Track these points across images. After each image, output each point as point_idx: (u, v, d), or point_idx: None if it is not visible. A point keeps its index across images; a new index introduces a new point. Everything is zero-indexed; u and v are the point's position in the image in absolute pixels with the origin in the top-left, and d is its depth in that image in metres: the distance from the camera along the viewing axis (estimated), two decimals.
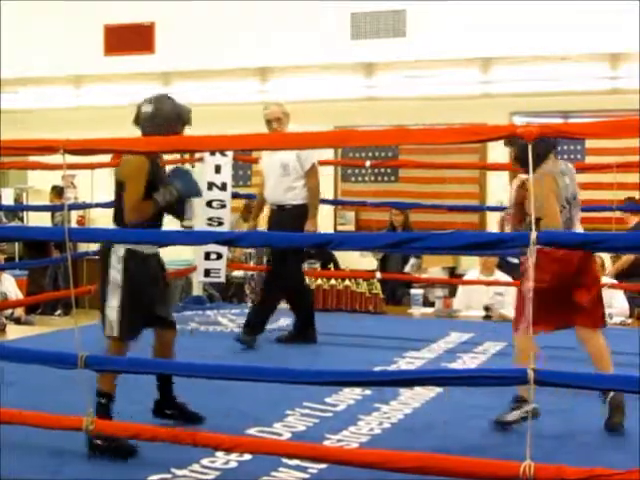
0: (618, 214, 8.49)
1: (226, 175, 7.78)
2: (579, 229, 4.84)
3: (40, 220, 11.18)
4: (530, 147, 4.05)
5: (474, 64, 9.24)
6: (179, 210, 4.35)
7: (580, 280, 4.68)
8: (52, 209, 11.43)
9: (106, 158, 8.90)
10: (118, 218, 4.27)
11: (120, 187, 4.30)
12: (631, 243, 3.34)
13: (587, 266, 4.72)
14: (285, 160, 6.69)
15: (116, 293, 4.15)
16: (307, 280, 8.62)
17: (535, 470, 3.09)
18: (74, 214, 11.96)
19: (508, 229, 4.71)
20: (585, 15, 8.26)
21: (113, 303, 4.15)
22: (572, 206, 4.75)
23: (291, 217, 6.74)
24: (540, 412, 4.30)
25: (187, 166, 4.48)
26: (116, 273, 4.15)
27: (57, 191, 11.73)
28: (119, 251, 4.15)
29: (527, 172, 4.52)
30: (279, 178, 6.77)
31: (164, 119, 4.32)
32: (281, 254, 6.70)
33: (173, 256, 10.23)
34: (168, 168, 4.55)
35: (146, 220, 4.15)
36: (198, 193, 4.49)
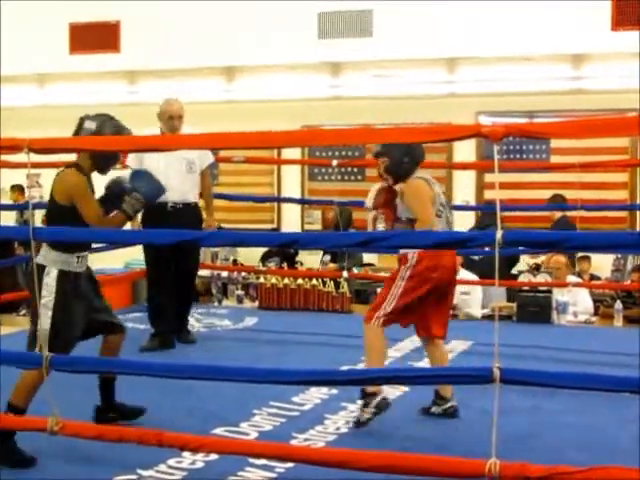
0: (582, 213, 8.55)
1: None
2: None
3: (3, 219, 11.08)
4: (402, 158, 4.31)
5: (440, 64, 9.28)
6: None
7: (447, 291, 4.84)
8: (16, 208, 11.34)
9: (71, 157, 8.86)
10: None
11: (63, 209, 4.22)
12: (596, 242, 3.36)
13: (454, 279, 4.92)
14: (190, 158, 6.74)
15: (47, 316, 4.11)
16: (275, 279, 8.64)
17: (500, 468, 3.10)
18: (39, 213, 11.86)
19: (381, 227, 4.85)
20: (548, 16, 8.32)
21: (45, 325, 4.08)
22: (447, 211, 4.90)
23: (197, 214, 6.91)
24: (390, 404, 4.57)
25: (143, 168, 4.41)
26: (48, 294, 4.12)
27: (19, 189, 11.66)
28: (52, 272, 4.14)
29: (396, 182, 4.78)
30: (185, 175, 6.77)
31: None
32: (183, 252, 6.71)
33: (136, 255, 10.21)
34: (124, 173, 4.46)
35: None
36: (162, 192, 4.45)
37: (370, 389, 4.56)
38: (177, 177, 6.62)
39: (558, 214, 9.16)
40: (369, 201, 4.87)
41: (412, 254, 4.62)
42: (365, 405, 4.60)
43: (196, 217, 6.89)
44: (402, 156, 4.73)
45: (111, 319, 4.49)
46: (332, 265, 9.78)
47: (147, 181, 4.32)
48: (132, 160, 6.75)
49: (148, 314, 6.98)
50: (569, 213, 9.02)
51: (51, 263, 4.16)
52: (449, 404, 4.82)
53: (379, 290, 8.67)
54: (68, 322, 4.17)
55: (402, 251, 4.70)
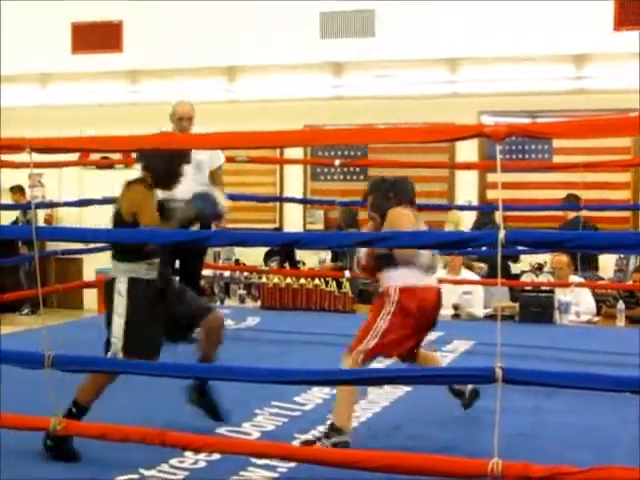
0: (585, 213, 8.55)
1: None
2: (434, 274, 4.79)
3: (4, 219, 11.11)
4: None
5: (442, 64, 9.28)
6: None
7: (431, 321, 4.64)
8: (18, 208, 11.35)
9: (73, 157, 8.88)
10: (122, 251, 4.30)
11: (124, 222, 4.29)
12: (598, 242, 3.36)
13: (438, 308, 4.69)
14: (199, 158, 6.71)
15: (120, 323, 4.26)
16: (277, 279, 8.65)
17: (502, 468, 3.10)
18: (41, 212, 11.89)
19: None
20: (550, 16, 8.32)
21: (118, 333, 4.26)
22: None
23: None
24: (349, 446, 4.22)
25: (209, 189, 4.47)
26: (120, 302, 4.26)
27: (20, 191, 11.66)
28: (122, 281, 4.27)
29: (383, 219, 4.59)
30: (193, 174, 6.64)
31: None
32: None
33: None
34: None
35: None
36: (218, 214, 4.51)
37: (339, 424, 4.29)
38: (185, 176, 6.64)
39: (572, 214, 9.12)
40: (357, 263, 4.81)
41: (394, 288, 4.48)
42: (326, 436, 4.29)
43: None
44: (386, 192, 4.67)
45: (196, 309, 4.49)
46: (329, 264, 9.81)
47: (203, 199, 4.41)
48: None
49: None
50: (572, 213, 9.00)
51: (121, 273, 4.28)
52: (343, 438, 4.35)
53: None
54: (142, 327, 4.26)
55: (385, 285, 4.55)
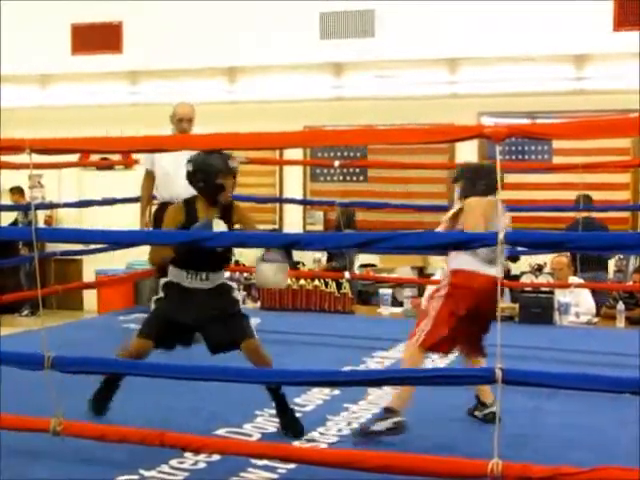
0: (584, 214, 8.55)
1: None
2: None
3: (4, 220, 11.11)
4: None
5: (442, 64, 9.27)
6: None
7: (488, 316, 4.56)
8: (18, 209, 11.36)
9: (73, 158, 8.88)
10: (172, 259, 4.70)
11: None
12: (597, 243, 3.37)
13: (492, 298, 4.58)
14: None
15: (151, 307, 4.79)
16: None
17: (502, 468, 3.11)
18: (41, 213, 11.89)
19: None
20: (550, 17, 8.31)
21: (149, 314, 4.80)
22: None
23: None
24: (406, 427, 4.35)
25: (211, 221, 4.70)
26: (157, 295, 4.81)
27: (19, 192, 11.66)
28: (164, 280, 4.79)
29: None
30: None
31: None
32: None
33: (141, 256, 10.22)
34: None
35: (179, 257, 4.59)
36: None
37: (393, 405, 4.43)
38: (183, 178, 6.65)
39: (581, 214, 9.05)
40: (445, 218, 4.78)
41: (450, 271, 4.54)
42: (381, 418, 4.46)
43: None
44: (476, 179, 4.64)
45: (231, 337, 4.66)
46: (324, 264, 9.82)
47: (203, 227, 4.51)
48: (145, 160, 6.98)
49: None
50: (567, 214, 8.98)
51: (168, 274, 4.75)
52: (488, 410, 4.66)
53: (381, 291, 8.74)
54: (161, 319, 4.68)
55: (446, 269, 4.61)
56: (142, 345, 4.62)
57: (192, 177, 4.64)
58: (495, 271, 4.41)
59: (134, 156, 7.79)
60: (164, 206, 6.49)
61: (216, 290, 4.70)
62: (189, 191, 6.68)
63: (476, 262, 4.49)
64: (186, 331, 4.72)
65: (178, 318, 4.63)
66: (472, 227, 4.46)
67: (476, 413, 4.77)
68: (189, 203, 4.70)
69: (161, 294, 4.75)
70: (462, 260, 4.51)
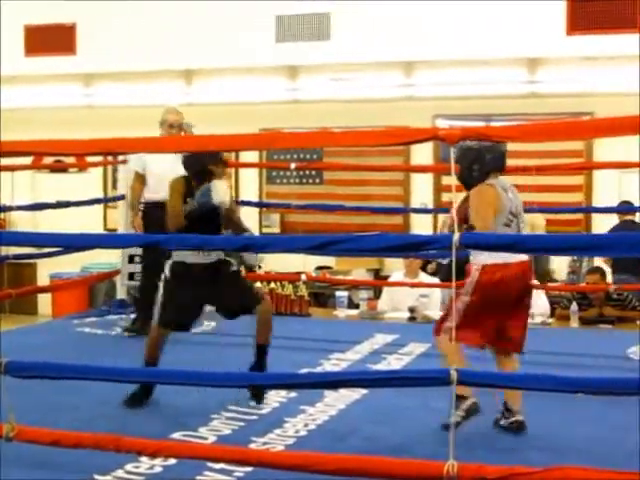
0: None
1: None
2: None
3: None
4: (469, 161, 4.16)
5: (397, 67, 9.31)
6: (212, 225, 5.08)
7: (514, 309, 4.62)
8: None
9: (26, 160, 8.77)
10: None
11: None
12: (548, 244, 3.40)
13: (525, 295, 4.70)
14: None
15: (160, 292, 5.13)
16: None
17: (458, 469, 3.12)
18: None
19: (445, 231, 4.73)
20: (504, 20, 8.39)
21: (158, 299, 5.13)
22: (519, 220, 4.64)
23: None
24: (479, 407, 4.36)
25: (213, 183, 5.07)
26: (165, 277, 5.15)
27: None
28: (169, 262, 5.15)
29: (468, 190, 4.60)
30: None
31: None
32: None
33: (96, 259, 10.14)
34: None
35: (184, 228, 5.00)
36: (211, 203, 4.99)
37: (460, 392, 4.22)
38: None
39: (627, 217, 9.08)
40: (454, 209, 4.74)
41: (476, 267, 4.47)
42: (455, 407, 4.24)
43: None
44: (471, 164, 4.58)
45: (247, 297, 5.21)
46: None
47: (202, 192, 5.03)
48: (136, 163, 7.19)
49: (137, 299, 7.65)
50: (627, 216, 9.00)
51: (172, 255, 5.13)
52: (514, 418, 4.57)
53: (337, 293, 8.75)
54: (174, 302, 5.05)
55: (471, 260, 4.53)
56: (162, 332, 5.11)
57: (186, 164, 5.19)
58: (516, 257, 4.43)
59: (127, 157, 7.76)
60: (155, 207, 6.86)
61: (219, 263, 5.16)
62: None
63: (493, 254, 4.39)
64: (199, 307, 5.23)
65: (189, 296, 5.05)
66: (480, 225, 4.41)
67: (502, 422, 4.63)
68: (187, 179, 5.20)
69: (167, 275, 5.12)
70: (480, 253, 4.42)
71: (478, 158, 4.59)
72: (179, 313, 5.11)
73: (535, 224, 9.17)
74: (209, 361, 6.27)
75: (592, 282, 8.22)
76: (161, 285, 5.15)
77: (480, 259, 4.47)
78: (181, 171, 7.13)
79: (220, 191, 5.00)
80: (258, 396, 5.07)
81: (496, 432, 4.63)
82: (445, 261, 8.21)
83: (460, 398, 4.32)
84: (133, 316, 7.60)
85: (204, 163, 5.08)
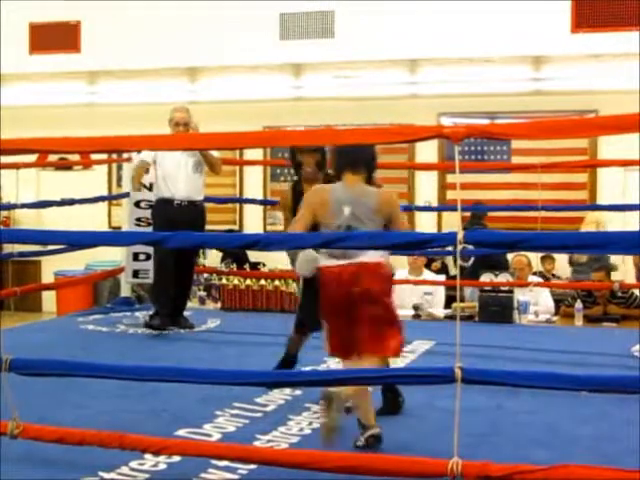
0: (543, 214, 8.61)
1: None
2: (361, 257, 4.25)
3: None
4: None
5: (402, 65, 9.30)
6: None
7: (358, 304, 4.33)
8: None
9: (31, 158, 8.79)
10: None
11: None
12: (552, 242, 3.39)
13: (360, 301, 4.34)
14: (196, 159, 7.23)
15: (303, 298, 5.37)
16: (237, 280, 8.63)
17: (462, 467, 3.12)
18: None
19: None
20: (509, 18, 8.38)
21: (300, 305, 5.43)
22: (360, 223, 4.28)
23: (202, 212, 7.43)
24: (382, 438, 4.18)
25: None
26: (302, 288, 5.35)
27: None
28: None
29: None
30: (191, 175, 7.30)
31: None
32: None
33: (100, 257, 10.15)
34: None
35: None
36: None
37: (365, 421, 4.22)
38: (184, 177, 7.24)
39: None
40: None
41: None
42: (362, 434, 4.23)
43: (200, 214, 7.39)
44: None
45: None
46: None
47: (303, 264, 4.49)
48: (146, 155, 7.27)
49: (154, 296, 7.70)
50: (528, 214, 9.01)
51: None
52: (369, 433, 4.26)
53: None
54: (313, 310, 4.81)
55: None
56: (303, 340, 5.48)
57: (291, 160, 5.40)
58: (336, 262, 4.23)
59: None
60: (163, 203, 7.23)
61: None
62: (188, 190, 7.26)
63: (324, 258, 4.29)
64: None
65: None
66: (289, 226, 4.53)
67: (358, 443, 4.22)
68: (294, 186, 5.35)
69: (303, 286, 5.22)
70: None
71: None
72: (313, 317, 4.75)
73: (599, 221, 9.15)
74: (214, 358, 6.29)
75: (597, 280, 8.23)
76: (301, 291, 5.36)
77: (322, 261, 4.30)
78: (185, 168, 7.20)
79: (304, 264, 4.35)
80: (395, 406, 4.88)
81: (498, 429, 4.63)
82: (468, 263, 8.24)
83: (364, 427, 4.22)
84: (151, 312, 7.59)
85: (294, 155, 5.27)
